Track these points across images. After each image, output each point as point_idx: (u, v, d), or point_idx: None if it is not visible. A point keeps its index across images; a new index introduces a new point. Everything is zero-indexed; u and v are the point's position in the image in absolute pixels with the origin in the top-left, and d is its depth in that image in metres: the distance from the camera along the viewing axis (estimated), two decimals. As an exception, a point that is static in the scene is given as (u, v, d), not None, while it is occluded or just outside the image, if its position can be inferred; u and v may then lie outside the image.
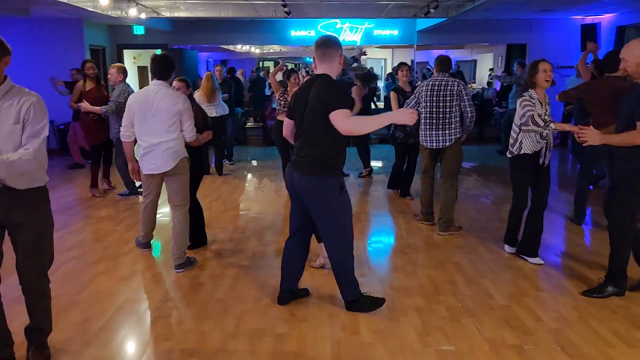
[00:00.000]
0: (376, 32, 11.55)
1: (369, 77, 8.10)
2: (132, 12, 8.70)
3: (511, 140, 4.37)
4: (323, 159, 3.27)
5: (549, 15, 10.56)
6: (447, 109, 5.14)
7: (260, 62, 26.34)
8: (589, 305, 3.65)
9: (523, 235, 4.53)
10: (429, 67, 14.74)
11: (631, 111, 3.45)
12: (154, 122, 4.21)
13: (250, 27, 11.67)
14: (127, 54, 13.29)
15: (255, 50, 22.91)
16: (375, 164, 9.26)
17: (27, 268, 2.82)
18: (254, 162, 9.43)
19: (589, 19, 10.88)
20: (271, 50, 22.93)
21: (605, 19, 10.61)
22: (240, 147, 10.82)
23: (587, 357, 2.99)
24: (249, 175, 8.44)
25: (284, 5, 8.37)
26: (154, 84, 4.33)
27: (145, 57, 15.65)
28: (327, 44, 3.34)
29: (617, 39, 10.30)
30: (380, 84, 19.75)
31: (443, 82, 5.15)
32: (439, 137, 5.19)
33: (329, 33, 10.77)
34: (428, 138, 5.24)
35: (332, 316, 3.51)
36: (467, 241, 5.02)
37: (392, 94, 6.20)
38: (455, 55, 18.64)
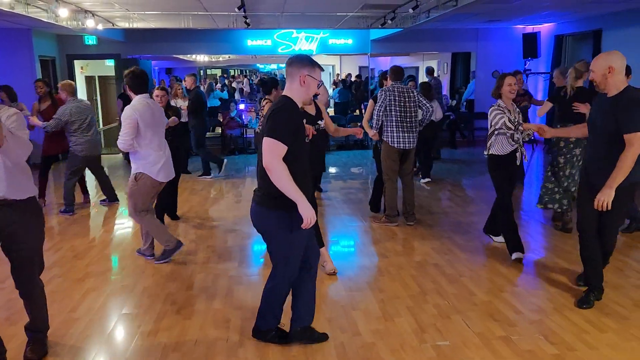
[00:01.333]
0: (331, 41, 11.84)
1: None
2: (90, 23, 8.56)
3: (487, 144, 4.80)
4: (273, 190, 2.90)
5: (494, 24, 11.19)
6: (413, 113, 5.72)
7: (207, 70, 26.08)
8: (560, 297, 4.01)
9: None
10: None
11: (604, 124, 3.55)
12: (162, 134, 4.73)
13: (206, 37, 11.67)
14: (78, 65, 12.96)
15: (203, 58, 22.75)
16: (332, 170, 9.54)
17: (19, 277, 3.10)
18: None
19: (530, 28, 11.60)
20: (220, 59, 22.85)
21: (545, 28, 11.35)
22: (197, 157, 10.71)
23: (568, 344, 3.31)
24: (216, 186, 8.46)
25: (245, 17, 8.49)
26: (146, 98, 4.55)
27: (92, 66, 15.28)
28: (288, 63, 3.01)
29: (555, 47, 11.05)
30: (330, 91, 20.13)
31: (405, 89, 5.72)
32: (411, 138, 5.69)
33: (299, 52, 10.92)
34: (401, 140, 5.65)
35: (331, 320, 3.69)
36: (442, 242, 5.32)
37: (371, 102, 6.14)
38: (402, 61, 19.26)
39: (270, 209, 3.02)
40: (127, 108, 4.47)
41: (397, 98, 5.65)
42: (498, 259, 4.82)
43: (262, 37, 11.66)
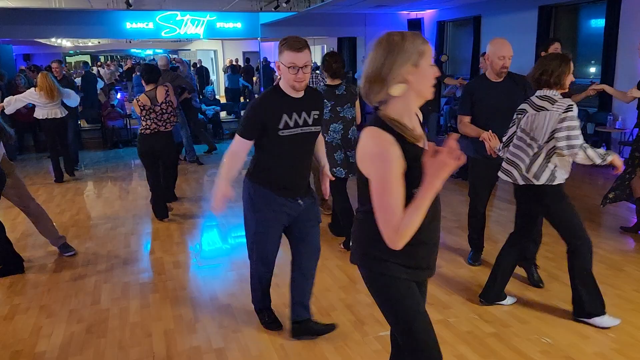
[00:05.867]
0: (219, 24, 11.27)
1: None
2: None
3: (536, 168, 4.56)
4: (250, 166, 3.02)
5: (380, 10, 11.41)
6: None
7: (66, 57, 23.70)
8: (482, 273, 4.12)
9: None
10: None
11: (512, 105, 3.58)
12: None
13: (77, 19, 10.53)
14: None
15: (67, 43, 20.78)
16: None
17: None
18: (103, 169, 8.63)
19: (414, 14, 12.00)
20: (89, 44, 21.02)
21: (427, 14, 11.81)
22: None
23: (502, 321, 3.39)
24: (102, 183, 7.70)
25: (128, -4, 7.75)
26: None
27: None
28: None
29: (438, 33, 11.55)
30: (212, 77, 19.41)
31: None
32: None
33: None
34: None
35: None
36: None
37: None
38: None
39: (248, 181, 3.02)
40: None
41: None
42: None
43: (143, 20, 10.78)
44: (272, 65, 16.35)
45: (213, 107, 11.13)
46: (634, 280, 3.95)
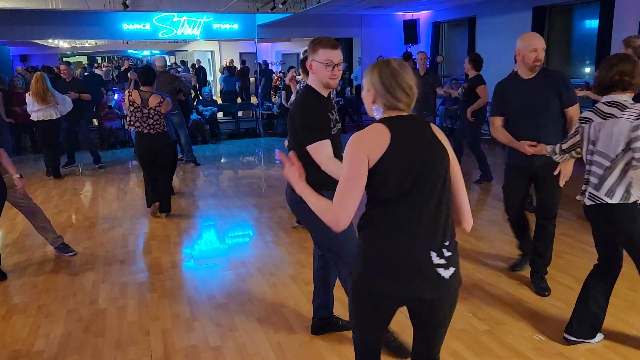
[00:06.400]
0: (216, 25, 11.30)
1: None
2: None
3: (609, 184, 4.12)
4: (308, 182, 2.78)
5: (376, 11, 11.45)
6: None
7: (64, 58, 23.63)
8: (477, 272, 4.17)
9: None
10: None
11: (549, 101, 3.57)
12: None
13: (74, 20, 10.53)
14: None
15: (64, 44, 20.77)
16: (225, 159, 9.29)
17: None
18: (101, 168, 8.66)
19: (409, 15, 12.05)
20: (86, 45, 21.01)
21: (423, 15, 11.86)
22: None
23: (495, 318, 3.44)
24: (101, 184, 7.72)
25: (125, -2, 7.77)
26: None
27: None
28: None
29: (433, 34, 11.60)
30: (210, 77, 19.42)
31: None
32: None
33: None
34: None
35: (261, 320, 3.49)
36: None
37: None
38: (284, 48, 19.17)
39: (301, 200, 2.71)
40: None
41: None
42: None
43: (139, 21, 10.80)
44: (270, 67, 16.42)
45: (210, 107, 11.17)
46: (628, 279, 3.98)
